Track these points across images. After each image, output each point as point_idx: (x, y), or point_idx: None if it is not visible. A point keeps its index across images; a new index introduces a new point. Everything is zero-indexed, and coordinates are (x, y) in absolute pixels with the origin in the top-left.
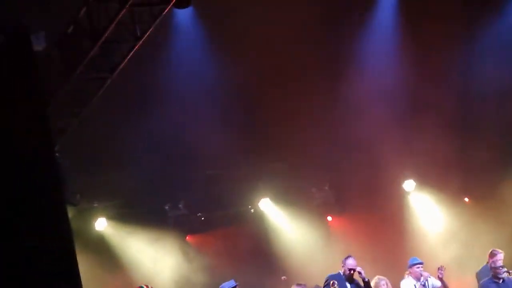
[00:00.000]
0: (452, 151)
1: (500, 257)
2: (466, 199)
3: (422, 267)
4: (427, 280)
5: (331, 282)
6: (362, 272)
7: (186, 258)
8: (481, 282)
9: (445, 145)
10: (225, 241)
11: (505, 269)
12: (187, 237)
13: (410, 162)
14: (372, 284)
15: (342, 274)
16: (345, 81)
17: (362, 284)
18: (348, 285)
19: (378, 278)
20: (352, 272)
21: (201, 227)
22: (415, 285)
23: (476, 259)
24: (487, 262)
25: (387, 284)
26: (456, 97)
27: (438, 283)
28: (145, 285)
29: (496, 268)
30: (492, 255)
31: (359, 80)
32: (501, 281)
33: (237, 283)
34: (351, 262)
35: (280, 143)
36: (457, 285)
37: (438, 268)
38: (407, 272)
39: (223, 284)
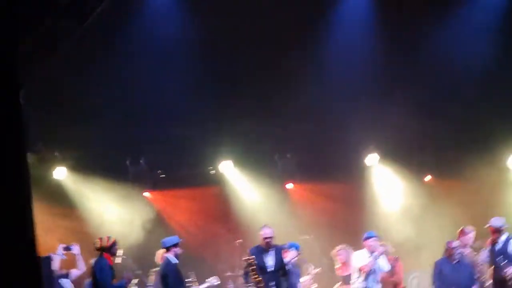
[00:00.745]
0: (419, 129)
1: (472, 235)
2: (429, 177)
3: (377, 241)
4: (379, 257)
5: (249, 258)
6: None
7: (143, 213)
8: (435, 261)
9: (412, 123)
10: (183, 200)
11: (460, 251)
12: (144, 193)
13: (376, 136)
14: (332, 253)
15: (260, 245)
16: (318, 51)
17: (280, 252)
18: (267, 255)
19: (340, 248)
20: (268, 241)
21: (160, 185)
22: (368, 258)
23: (434, 238)
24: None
25: (348, 254)
26: (428, 76)
27: (386, 267)
28: (106, 237)
29: (452, 248)
30: (463, 233)
31: (332, 51)
32: (455, 262)
33: (180, 240)
34: (266, 231)
35: (246, 108)
36: (412, 262)
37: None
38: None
39: (165, 239)
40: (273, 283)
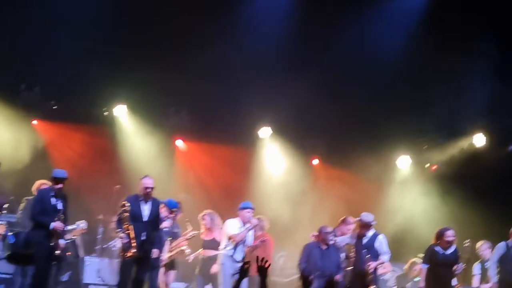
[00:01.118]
0: (316, 112)
1: (351, 227)
2: (317, 161)
3: (252, 213)
4: (251, 228)
5: (125, 205)
6: None
7: (30, 141)
8: (306, 243)
9: (311, 105)
10: (71, 135)
11: (333, 238)
12: (33, 121)
13: (273, 110)
14: (199, 217)
15: (139, 194)
16: (233, 18)
17: (157, 205)
18: (144, 205)
19: (205, 213)
20: (148, 191)
21: (51, 116)
22: (240, 228)
23: (309, 221)
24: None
25: (212, 219)
26: (337, 63)
27: (251, 242)
28: None
29: (326, 233)
30: (345, 222)
31: (249, 19)
32: (325, 247)
33: (67, 176)
34: (147, 181)
35: (152, 57)
36: (282, 241)
37: (260, 240)
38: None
39: (57, 170)
40: (144, 233)
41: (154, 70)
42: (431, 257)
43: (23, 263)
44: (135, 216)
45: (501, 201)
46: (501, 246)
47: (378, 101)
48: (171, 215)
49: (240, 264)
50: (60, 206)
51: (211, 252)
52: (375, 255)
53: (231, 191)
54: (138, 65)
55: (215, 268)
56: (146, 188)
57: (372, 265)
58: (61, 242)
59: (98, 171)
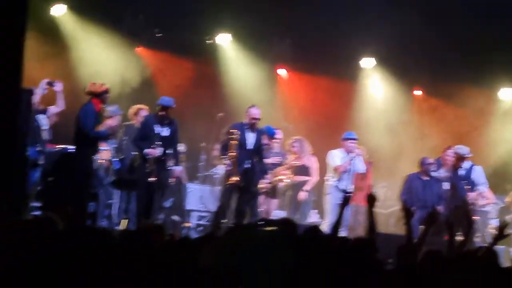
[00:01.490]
0: (419, 43)
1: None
2: (419, 92)
3: (355, 143)
4: (355, 157)
5: (233, 132)
6: None
7: (135, 68)
8: (407, 175)
9: (414, 35)
10: (175, 64)
11: (435, 168)
12: (137, 48)
13: (376, 42)
14: (288, 143)
15: (245, 123)
16: None
17: (261, 134)
18: (250, 133)
19: (294, 139)
20: (254, 121)
21: (155, 43)
22: (342, 158)
23: (410, 152)
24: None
25: (301, 145)
26: None
27: (362, 168)
28: (100, 83)
29: (428, 164)
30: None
31: None
32: (427, 178)
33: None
34: (255, 111)
35: None
36: (384, 172)
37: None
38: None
39: (163, 98)
40: (249, 161)
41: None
42: None
43: (127, 188)
44: (241, 145)
45: None
46: None
47: (482, 31)
48: (271, 142)
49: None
50: (165, 133)
51: (300, 178)
52: (472, 187)
53: (333, 121)
54: None
55: (302, 195)
56: (254, 118)
57: (471, 195)
58: (177, 168)
59: (201, 99)
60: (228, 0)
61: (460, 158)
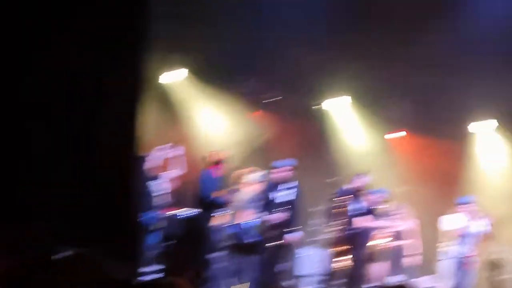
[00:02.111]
0: None
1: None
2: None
3: (472, 207)
4: (472, 221)
5: (341, 199)
6: None
7: (252, 132)
8: None
9: None
10: (285, 127)
11: None
12: (253, 114)
13: (497, 104)
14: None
15: (350, 189)
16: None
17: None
18: (354, 199)
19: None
20: (359, 191)
21: (274, 108)
22: (459, 222)
23: None
24: None
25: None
26: None
27: (482, 231)
28: (217, 151)
29: None
30: None
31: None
32: None
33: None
34: (360, 182)
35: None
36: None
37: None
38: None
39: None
40: (351, 227)
41: (379, 62)
42: None
43: (246, 253)
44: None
45: None
46: None
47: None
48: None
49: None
50: (283, 197)
51: (402, 242)
52: None
53: (450, 185)
54: (362, 58)
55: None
56: (360, 187)
57: None
58: (295, 234)
59: (310, 163)
60: (346, 63)
61: None
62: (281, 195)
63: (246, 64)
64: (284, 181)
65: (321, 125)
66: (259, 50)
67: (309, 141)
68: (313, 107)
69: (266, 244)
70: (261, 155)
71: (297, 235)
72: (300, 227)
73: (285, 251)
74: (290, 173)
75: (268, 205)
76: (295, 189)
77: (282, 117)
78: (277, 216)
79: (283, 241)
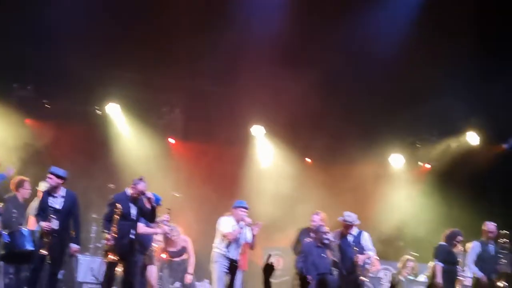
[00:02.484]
0: (309, 112)
1: (317, 218)
2: (309, 160)
3: (246, 212)
4: (244, 226)
5: (116, 206)
6: (152, 199)
7: (24, 140)
8: (304, 242)
9: (303, 104)
10: (65, 134)
11: (329, 236)
12: (26, 120)
13: (264, 110)
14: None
15: (128, 194)
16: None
17: (148, 206)
18: (131, 205)
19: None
20: (139, 195)
21: (45, 115)
22: (233, 226)
23: (300, 220)
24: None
25: (177, 232)
26: (337, 59)
27: (250, 236)
28: None
29: (323, 233)
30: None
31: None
32: (320, 246)
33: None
34: (143, 185)
35: (144, 58)
36: (275, 240)
37: (255, 224)
38: (228, 213)
39: (55, 168)
40: (133, 232)
41: (150, 70)
42: (447, 256)
43: (17, 262)
44: (125, 216)
45: (494, 200)
46: (476, 245)
47: (371, 100)
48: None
49: (233, 262)
50: (59, 205)
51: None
52: (362, 252)
53: (224, 189)
54: (134, 66)
55: (188, 279)
56: (142, 192)
57: (360, 257)
58: (73, 246)
59: (91, 170)
60: (119, 72)
61: (349, 226)
62: (56, 202)
63: (18, 73)
64: (58, 189)
65: (101, 131)
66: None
67: (89, 146)
68: (95, 112)
69: (40, 252)
70: (38, 161)
71: (75, 247)
72: (76, 234)
73: (60, 261)
74: (60, 181)
75: (44, 213)
76: (70, 197)
77: (60, 123)
78: (50, 224)
79: (63, 248)
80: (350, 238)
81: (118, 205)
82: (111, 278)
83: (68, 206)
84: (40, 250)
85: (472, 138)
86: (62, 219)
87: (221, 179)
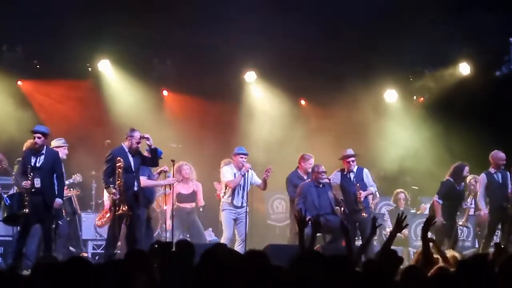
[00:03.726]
0: (301, 54)
1: (312, 161)
2: (303, 102)
3: (246, 158)
4: (247, 171)
5: (118, 160)
6: (150, 139)
7: (16, 101)
8: (301, 183)
9: (296, 47)
10: (57, 92)
11: (326, 176)
12: (18, 82)
13: (256, 54)
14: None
15: (125, 147)
16: None
17: (148, 154)
18: (130, 156)
19: (182, 163)
20: (138, 146)
21: (36, 75)
22: (235, 174)
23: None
24: (297, 167)
25: (190, 169)
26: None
27: (259, 181)
28: None
29: (319, 173)
30: (304, 159)
31: None
32: (321, 185)
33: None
34: (138, 135)
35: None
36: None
37: (266, 170)
38: (226, 160)
39: (37, 126)
40: (136, 184)
41: (136, 25)
42: (450, 193)
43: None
44: (126, 169)
45: (490, 128)
46: (483, 177)
47: (361, 38)
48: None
49: (240, 209)
50: (38, 163)
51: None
52: (364, 189)
53: (221, 137)
54: (121, 20)
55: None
56: (138, 142)
57: (362, 194)
58: (57, 201)
59: (87, 127)
60: (107, 27)
61: (349, 162)
62: (38, 160)
63: (6, 35)
64: (42, 147)
65: (93, 88)
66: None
67: (84, 102)
68: (87, 69)
69: (25, 210)
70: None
71: (57, 202)
72: (59, 190)
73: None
74: (43, 139)
75: (25, 172)
76: (51, 154)
77: (51, 82)
78: (28, 182)
79: (47, 205)
80: (351, 175)
81: (119, 159)
82: (117, 233)
83: (50, 163)
84: (24, 210)
85: (464, 68)
86: (44, 176)
87: (218, 128)
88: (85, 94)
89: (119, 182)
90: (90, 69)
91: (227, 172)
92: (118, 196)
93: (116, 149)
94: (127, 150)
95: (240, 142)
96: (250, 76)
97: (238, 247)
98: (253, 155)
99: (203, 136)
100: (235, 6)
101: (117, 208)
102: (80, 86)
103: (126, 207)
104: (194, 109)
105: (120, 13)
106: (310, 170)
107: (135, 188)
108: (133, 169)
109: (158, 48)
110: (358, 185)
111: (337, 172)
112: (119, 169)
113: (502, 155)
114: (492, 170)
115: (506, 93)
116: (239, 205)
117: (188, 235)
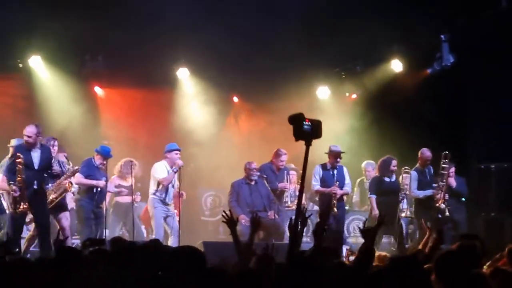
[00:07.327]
0: (232, 52)
1: (284, 158)
2: (236, 99)
3: (179, 154)
4: (179, 168)
5: (18, 157)
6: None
7: None
8: (233, 181)
9: (227, 44)
10: None
11: (258, 173)
12: None
13: (189, 53)
14: (119, 165)
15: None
16: None
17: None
18: (33, 152)
19: (126, 161)
20: (27, 139)
21: None
22: (168, 171)
23: (231, 159)
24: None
25: (135, 166)
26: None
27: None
28: None
29: (250, 169)
30: (277, 155)
31: None
32: (253, 182)
33: None
34: (31, 130)
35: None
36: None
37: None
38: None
39: None
40: (36, 182)
41: (67, 19)
42: (380, 187)
43: None
44: (28, 166)
45: (423, 124)
46: (414, 174)
47: (294, 35)
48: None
49: (170, 206)
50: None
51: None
52: (342, 185)
53: (155, 132)
54: (51, 16)
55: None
56: (29, 136)
57: (338, 192)
58: None
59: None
60: (37, 23)
61: (337, 156)
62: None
63: None
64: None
65: (24, 85)
66: None
67: (14, 100)
68: (18, 65)
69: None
70: None
71: None
72: None
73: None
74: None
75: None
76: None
77: None
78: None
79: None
80: (334, 172)
81: (19, 155)
82: (19, 233)
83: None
84: (20, 207)
85: (396, 65)
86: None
87: (151, 123)
88: (16, 91)
89: (19, 179)
90: (21, 65)
91: (160, 169)
92: (17, 194)
93: (17, 145)
94: (26, 146)
95: (174, 138)
96: (183, 73)
97: (171, 243)
98: (186, 151)
99: (137, 132)
100: (168, 2)
101: (18, 206)
102: (10, 82)
103: (27, 204)
104: (126, 104)
105: (52, 8)
106: (281, 166)
107: (35, 186)
108: (34, 166)
109: (89, 44)
110: (337, 182)
111: (318, 166)
112: (19, 166)
113: (429, 154)
114: (419, 167)
115: (438, 90)
116: (170, 202)
117: (126, 230)
